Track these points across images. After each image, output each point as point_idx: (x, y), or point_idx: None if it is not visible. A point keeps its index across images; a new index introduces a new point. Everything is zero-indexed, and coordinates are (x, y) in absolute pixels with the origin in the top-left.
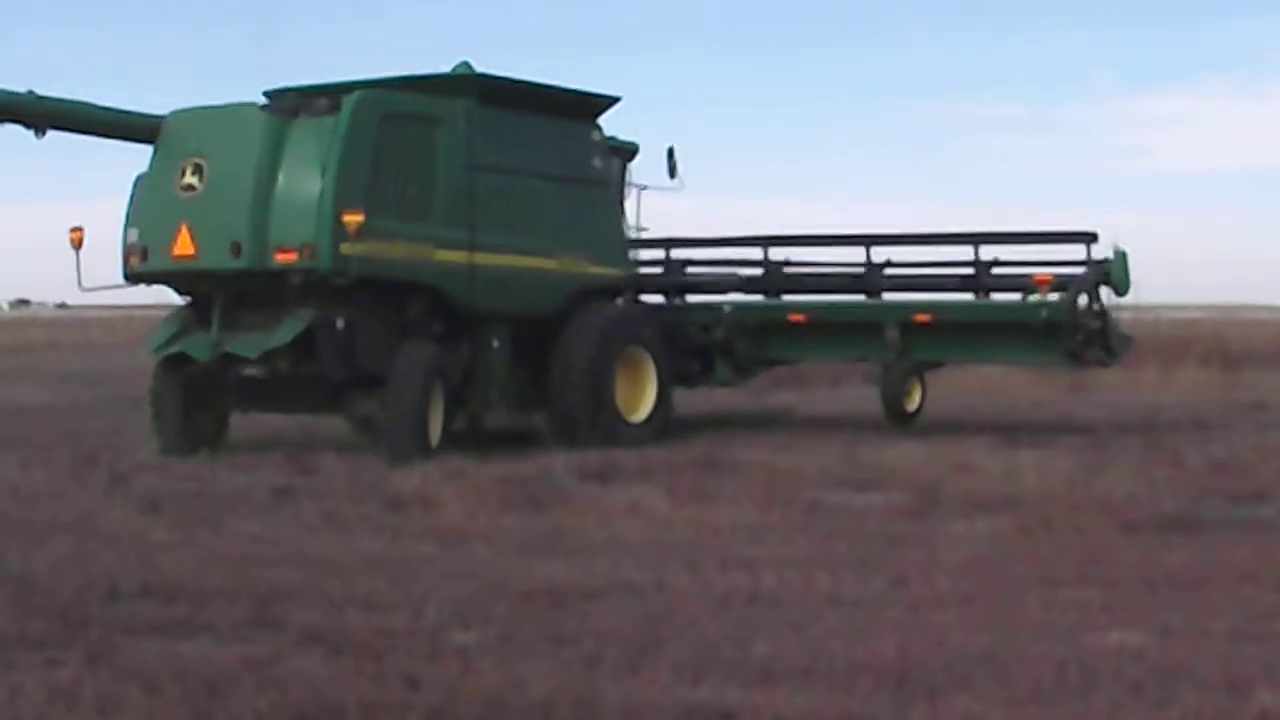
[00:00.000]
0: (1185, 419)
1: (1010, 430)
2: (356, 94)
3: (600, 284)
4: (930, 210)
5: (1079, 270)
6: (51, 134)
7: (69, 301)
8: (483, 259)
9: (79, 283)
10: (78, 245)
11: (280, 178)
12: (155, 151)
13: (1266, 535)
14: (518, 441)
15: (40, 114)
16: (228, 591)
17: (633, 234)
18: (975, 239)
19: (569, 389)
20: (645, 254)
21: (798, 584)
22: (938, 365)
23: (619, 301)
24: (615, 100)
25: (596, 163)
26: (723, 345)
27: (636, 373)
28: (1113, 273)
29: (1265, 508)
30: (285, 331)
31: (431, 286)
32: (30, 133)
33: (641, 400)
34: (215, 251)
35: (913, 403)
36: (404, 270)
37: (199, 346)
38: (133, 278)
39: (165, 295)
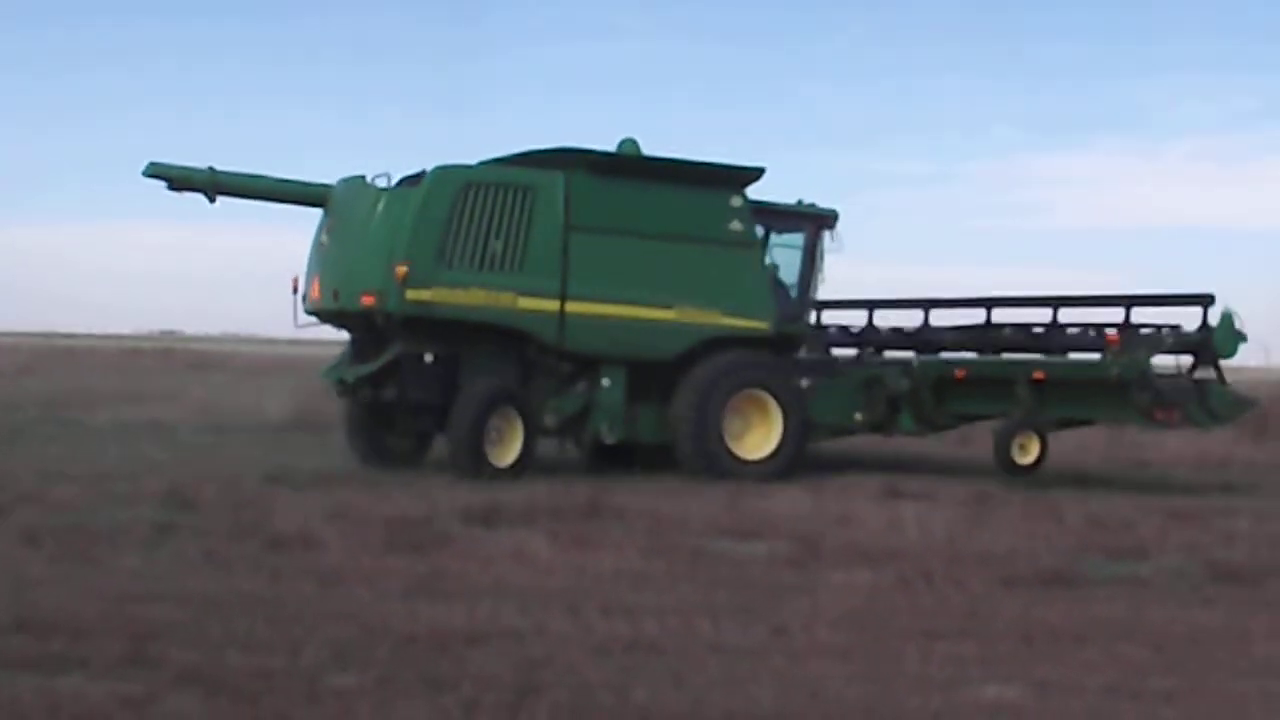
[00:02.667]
0: (1068, 474)
1: (892, 481)
2: (435, 167)
3: (733, 334)
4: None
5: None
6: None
7: None
8: (576, 307)
9: (294, 321)
10: (295, 289)
11: (370, 236)
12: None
13: (1144, 592)
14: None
15: (216, 186)
16: (104, 628)
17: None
18: (1090, 302)
19: (679, 425)
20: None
21: (678, 632)
22: (1070, 425)
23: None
24: (756, 171)
25: (735, 225)
26: (909, 397)
27: (759, 414)
28: (1216, 334)
29: (1143, 565)
30: (375, 363)
31: (518, 329)
32: (205, 199)
33: (763, 440)
34: (328, 296)
35: (1025, 456)
36: (481, 314)
37: (334, 373)
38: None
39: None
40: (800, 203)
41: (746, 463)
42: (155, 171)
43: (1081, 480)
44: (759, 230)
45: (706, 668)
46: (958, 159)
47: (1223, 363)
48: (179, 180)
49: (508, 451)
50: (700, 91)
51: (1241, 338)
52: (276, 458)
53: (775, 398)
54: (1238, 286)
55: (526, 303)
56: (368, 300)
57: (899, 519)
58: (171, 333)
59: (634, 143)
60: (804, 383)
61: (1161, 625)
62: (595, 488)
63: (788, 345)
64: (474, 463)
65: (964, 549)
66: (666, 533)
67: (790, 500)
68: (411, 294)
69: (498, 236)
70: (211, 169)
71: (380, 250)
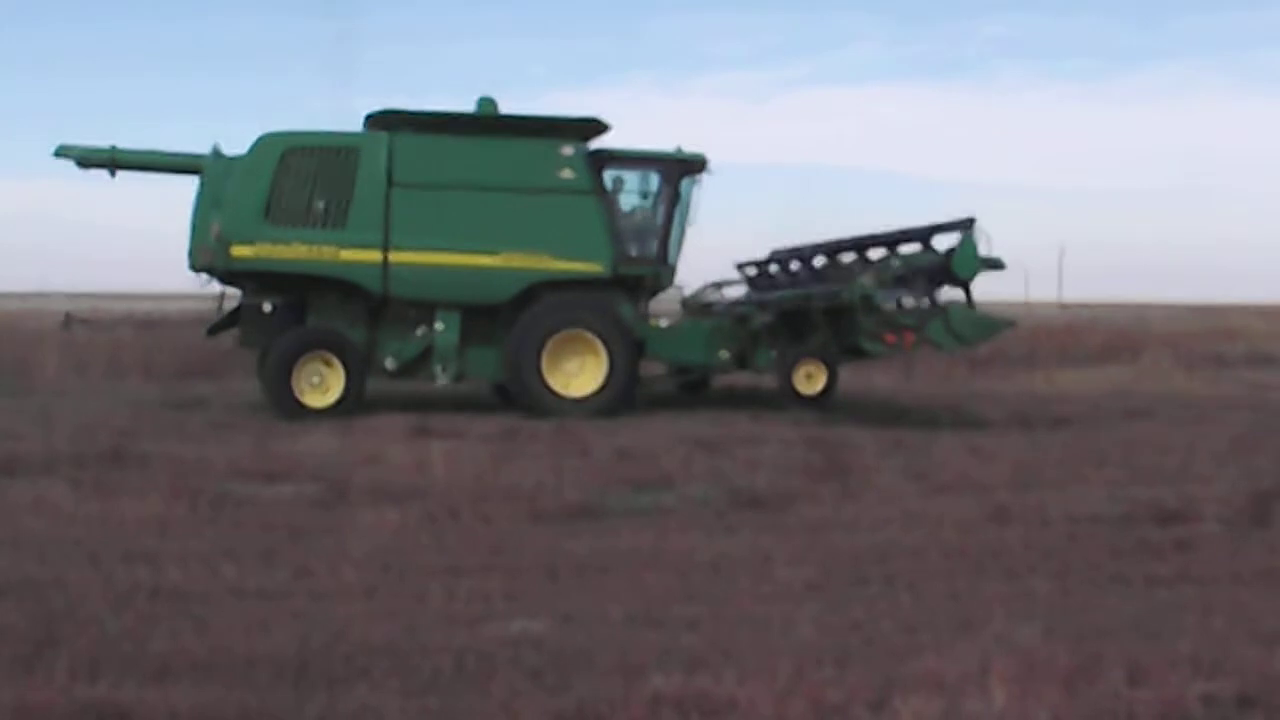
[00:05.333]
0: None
1: (422, 420)
2: (260, 135)
3: (565, 277)
4: None
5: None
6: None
7: None
8: (400, 257)
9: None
10: None
11: (207, 200)
12: None
13: (668, 521)
14: None
15: (115, 162)
16: None
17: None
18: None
19: (506, 365)
20: None
21: (202, 577)
22: (862, 356)
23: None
24: (591, 122)
25: (566, 174)
26: (765, 333)
27: (591, 354)
28: (955, 257)
29: (667, 495)
30: (223, 312)
31: (342, 279)
32: (107, 174)
33: (588, 378)
34: (187, 255)
35: (809, 386)
36: (303, 266)
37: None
38: None
39: None
40: (679, 150)
41: (570, 400)
42: (63, 152)
43: (609, 415)
44: (621, 177)
45: (229, 612)
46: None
47: None
48: (83, 159)
49: (328, 394)
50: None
51: (986, 261)
52: None
53: (599, 337)
54: (773, 223)
55: (349, 254)
56: (205, 257)
57: (427, 457)
58: None
59: (491, 101)
60: (662, 322)
61: (685, 553)
62: (119, 435)
63: (639, 287)
64: (282, 404)
65: (491, 485)
66: (191, 477)
67: (318, 441)
68: (235, 250)
69: (320, 195)
70: (113, 147)
71: (212, 212)
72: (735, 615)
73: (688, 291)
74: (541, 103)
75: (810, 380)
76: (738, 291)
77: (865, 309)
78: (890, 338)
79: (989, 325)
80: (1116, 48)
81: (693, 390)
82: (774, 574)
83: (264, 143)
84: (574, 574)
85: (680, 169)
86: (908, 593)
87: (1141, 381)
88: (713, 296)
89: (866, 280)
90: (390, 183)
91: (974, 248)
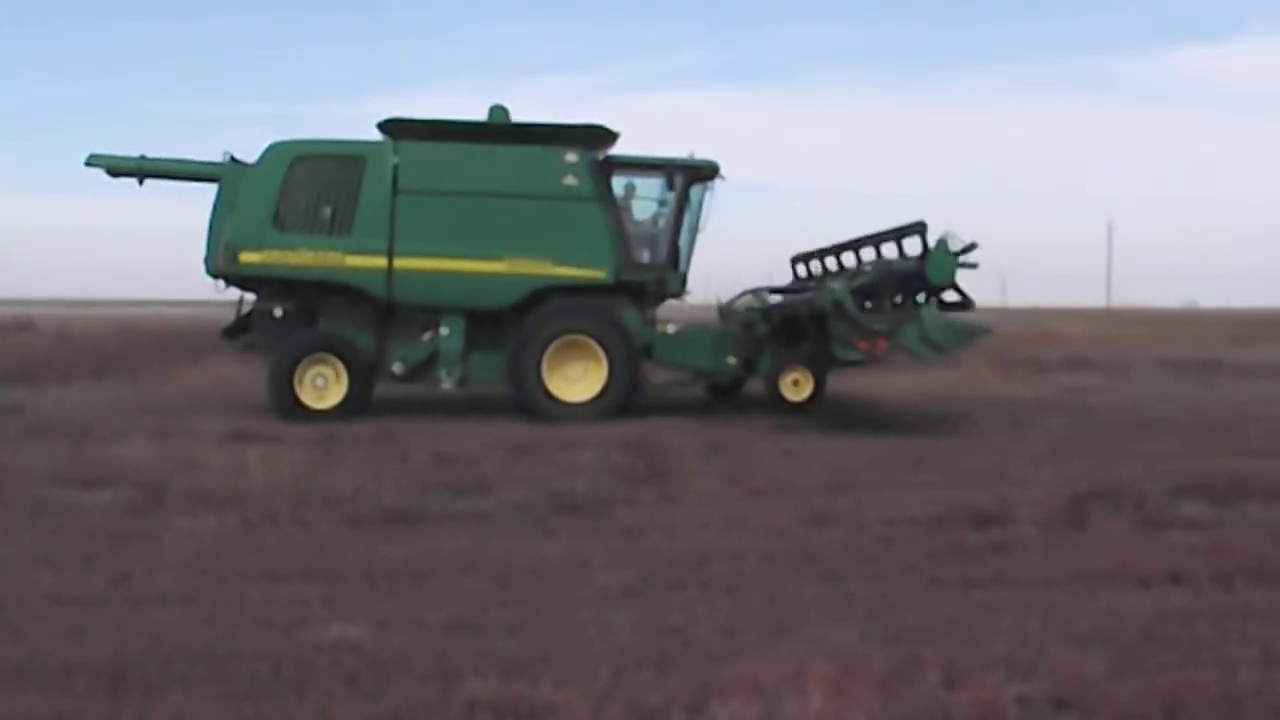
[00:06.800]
0: (417, 412)
1: (240, 425)
2: (270, 144)
3: (567, 283)
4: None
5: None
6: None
7: None
8: (405, 263)
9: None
10: None
11: (226, 207)
12: None
13: (485, 526)
14: None
15: (143, 171)
16: None
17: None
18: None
19: (507, 369)
20: None
21: (19, 584)
22: (847, 364)
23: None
24: (595, 129)
25: (569, 180)
26: (769, 339)
27: (592, 360)
28: (930, 262)
29: (486, 499)
30: (238, 316)
31: (348, 284)
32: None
33: (588, 383)
34: (203, 260)
35: (796, 393)
36: (311, 273)
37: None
38: None
39: None
40: (691, 156)
41: (568, 405)
42: (93, 161)
43: (429, 417)
44: (630, 183)
45: (45, 620)
46: (294, 101)
47: None
48: (113, 168)
49: (331, 396)
50: None
51: (963, 264)
52: None
53: (599, 343)
54: None
55: (354, 260)
56: (218, 264)
57: (246, 462)
58: None
59: (503, 109)
60: (670, 328)
61: (503, 558)
62: None
63: (644, 293)
64: (282, 405)
65: (310, 490)
66: (8, 483)
67: (136, 447)
68: (245, 256)
69: (328, 202)
70: (142, 156)
71: (225, 219)
72: (553, 620)
73: (724, 298)
74: (351, 105)
75: (797, 387)
76: (772, 298)
77: (837, 315)
78: (863, 344)
79: (964, 331)
80: (931, 53)
81: (723, 395)
82: (592, 578)
83: (273, 151)
84: (392, 579)
85: (690, 175)
86: (725, 596)
87: (959, 385)
88: (752, 303)
89: (837, 286)
90: (396, 190)
91: (949, 253)
